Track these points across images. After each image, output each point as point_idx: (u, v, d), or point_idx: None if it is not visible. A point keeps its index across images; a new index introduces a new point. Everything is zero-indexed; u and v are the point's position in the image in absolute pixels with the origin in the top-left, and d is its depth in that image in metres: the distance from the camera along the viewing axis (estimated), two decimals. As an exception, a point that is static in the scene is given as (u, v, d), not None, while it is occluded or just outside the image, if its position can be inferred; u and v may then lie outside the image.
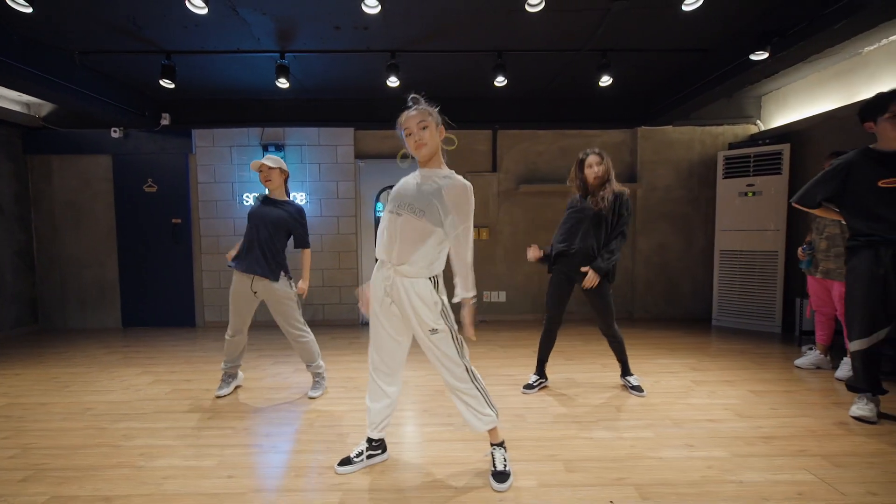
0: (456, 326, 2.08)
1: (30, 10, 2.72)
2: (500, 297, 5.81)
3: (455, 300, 2.03)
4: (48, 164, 5.47)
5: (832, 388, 3.20)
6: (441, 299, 2.06)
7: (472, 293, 2.00)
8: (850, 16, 2.85)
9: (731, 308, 5.23)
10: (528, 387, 3.24)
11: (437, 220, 1.96)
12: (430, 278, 2.03)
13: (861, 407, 2.68)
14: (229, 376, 3.26)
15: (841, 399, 2.97)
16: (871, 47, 3.97)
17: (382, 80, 4.22)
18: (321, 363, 3.25)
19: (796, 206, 2.89)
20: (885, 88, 3.81)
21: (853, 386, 2.75)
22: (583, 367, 3.77)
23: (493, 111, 5.64)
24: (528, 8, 2.77)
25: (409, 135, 1.96)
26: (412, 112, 1.98)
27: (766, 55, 3.30)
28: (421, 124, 1.94)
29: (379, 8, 2.80)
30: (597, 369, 3.72)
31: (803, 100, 4.89)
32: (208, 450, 2.41)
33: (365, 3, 2.75)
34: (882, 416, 2.69)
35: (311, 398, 3.15)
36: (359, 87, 5.10)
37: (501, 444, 2.17)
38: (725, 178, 5.19)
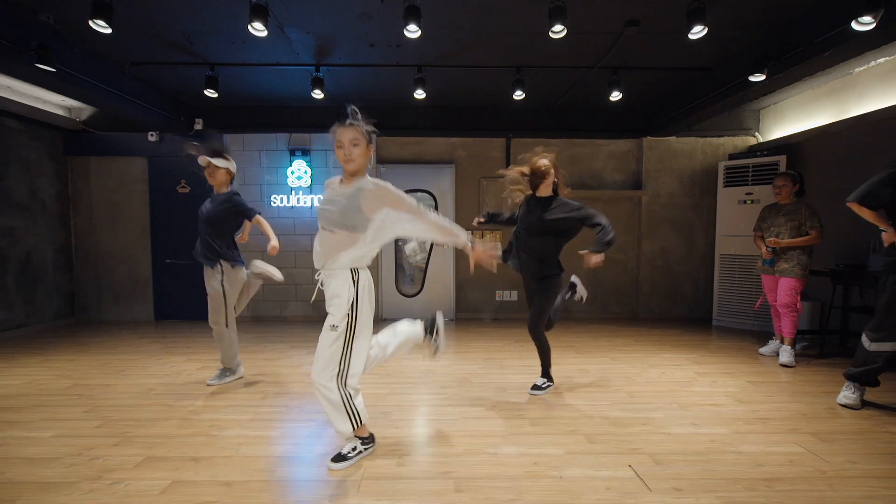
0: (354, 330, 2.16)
1: (109, 30, 3.03)
2: (511, 296, 6.13)
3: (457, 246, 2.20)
4: (87, 165, 5.79)
5: (823, 380, 3.52)
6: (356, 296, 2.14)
7: (464, 236, 2.16)
8: (838, 45, 3.19)
9: (730, 309, 5.57)
10: (537, 388, 3.32)
11: (362, 228, 2.10)
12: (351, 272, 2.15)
13: (848, 395, 2.99)
14: (229, 370, 3.49)
15: (831, 389, 3.29)
16: (861, 68, 4.32)
17: (408, 92, 4.56)
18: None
19: (853, 205, 2.79)
20: (873, 107, 4.18)
21: (863, 379, 2.94)
22: (594, 360, 4.10)
23: (507, 120, 5.99)
24: (552, 35, 3.10)
25: (340, 147, 2.06)
26: (347, 126, 2.07)
27: (763, 77, 3.64)
28: (353, 141, 2.05)
29: (419, 33, 3.12)
30: (607, 362, 4.05)
31: (799, 114, 5.24)
32: (270, 423, 2.72)
33: (407, 30, 3.07)
34: (865, 404, 3.01)
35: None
36: (384, 97, 5.44)
37: (365, 439, 2.30)
38: (726, 186, 5.53)
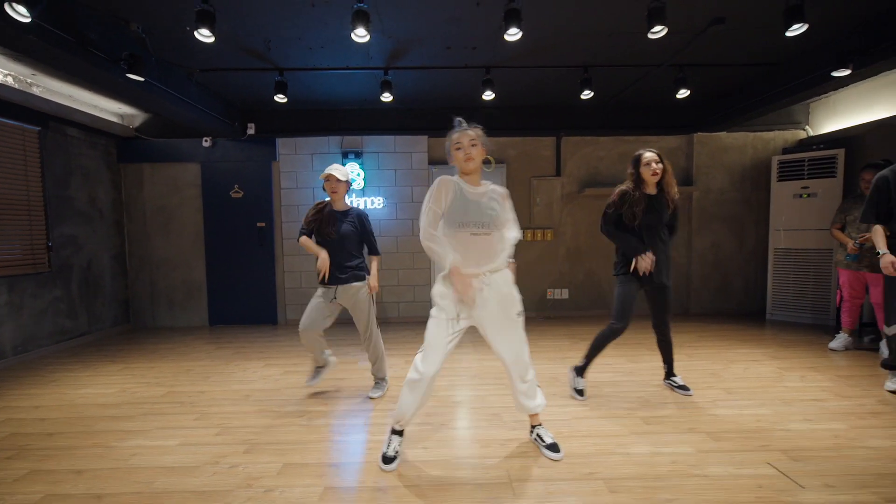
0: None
1: (212, 39, 3.05)
2: (562, 294, 6.15)
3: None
4: (140, 171, 5.80)
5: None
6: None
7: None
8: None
9: (785, 303, 5.58)
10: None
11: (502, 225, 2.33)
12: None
13: (894, 382, 3.17)
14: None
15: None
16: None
17: (466, 92, 4.56)
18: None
19: None
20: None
21: (890, 364, 3.17)
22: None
23: (557, 119, 5.99)
24: (650, 35, 3.11)
25: (459, 149, 2.27)
26: (468, 130, 2.28)
27: (848, 72, 3.64)
28: (472, 141, 2.27)
29: (520, 35, 3.12)
30: (683, 358, 4.07)
31: (855, 107, 5.23)
32: (384, 427, 2.75)
33: (507, 33, 3.08)
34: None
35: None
36: (437, 97, 5.43)
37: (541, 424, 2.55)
38: (780, 180, 5.53)
